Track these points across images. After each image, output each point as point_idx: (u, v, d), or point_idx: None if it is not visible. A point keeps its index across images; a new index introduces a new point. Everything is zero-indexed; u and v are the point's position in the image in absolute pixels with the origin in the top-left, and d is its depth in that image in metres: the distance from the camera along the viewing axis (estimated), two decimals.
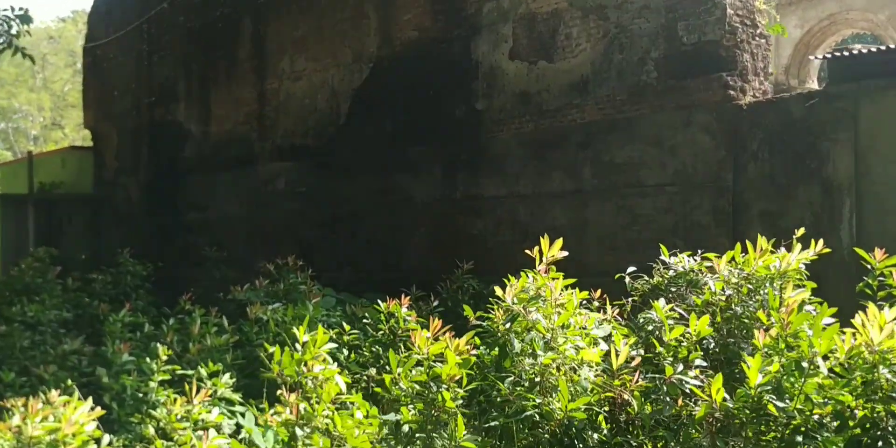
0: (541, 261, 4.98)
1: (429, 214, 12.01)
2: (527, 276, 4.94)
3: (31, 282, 9.81)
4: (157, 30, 17.62)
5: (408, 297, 6.58)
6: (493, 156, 11.16)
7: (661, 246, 5.62)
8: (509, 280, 5.12)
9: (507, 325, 4.62)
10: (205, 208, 16.25)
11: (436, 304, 7.96)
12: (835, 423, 3.73)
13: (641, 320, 4.60)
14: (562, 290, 4.78)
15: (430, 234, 12.01)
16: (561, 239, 5.14)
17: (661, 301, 4.60)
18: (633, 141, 9.65)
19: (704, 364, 4.34)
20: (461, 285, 9.21)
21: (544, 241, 4.99)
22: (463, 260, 11.41)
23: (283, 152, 14.49)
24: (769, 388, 3.74)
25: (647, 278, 5.43)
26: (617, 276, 5.69)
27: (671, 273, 5.17)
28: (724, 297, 4.57)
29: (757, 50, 9.08)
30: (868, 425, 3.58)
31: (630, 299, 5.38)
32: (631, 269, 5.62)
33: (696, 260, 5.19)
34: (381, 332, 6.51)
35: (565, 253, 4.99)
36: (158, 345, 6.39)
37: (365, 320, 6.78)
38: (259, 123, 14.99)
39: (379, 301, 8.75)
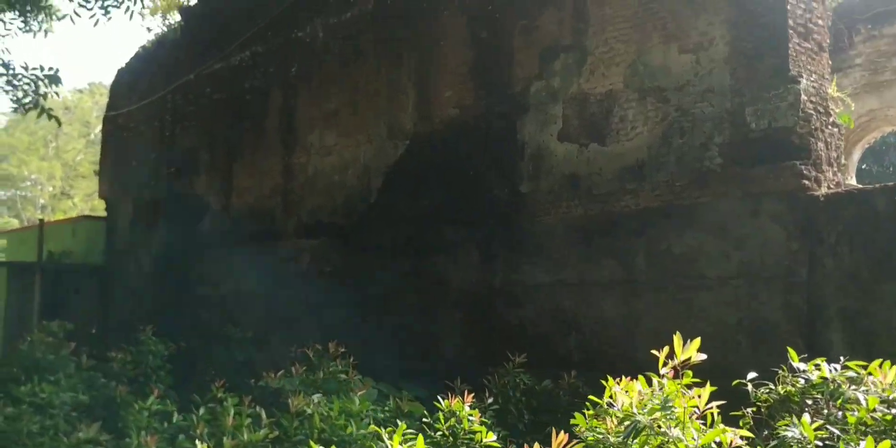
0: (666, 362, 4.28)
1: (465, 300, 11.37)
2: (646, 379, 4.25)
3: (43, 358, 9.09)
4: (182, 100, 17.31)
5: (470, 395, 5.90)
6: (537, 241, 10.60)
7: (790, 349, 4.93)
8: (608, 381, 4.45)
9: (629, 440, 3.93)
10: (219, 284, 15.61)
11: (490, 401, 7.26)
12: None
13: (787, 438, 3.88)
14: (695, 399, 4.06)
15: (466, 321, 11.35)
16: (678, 335, 4.45)
17: (806, 416, 3.91)
18: (692, 229, 9.09)
19: None
20: (511, 380, 8.47)
21: (677, 339, 4.32)
22: (501, 350, 10.75)
23: (308, 229, 13.95)
24: None
25: (772, 386, 4.74)
26: (736, 382, 4.99)
27: (801, 382, 4.50)
28: (889, 417, 3.89)
29: (830, 139, 8.61)
30: None
31: (750, 410, 4.68)
32: (752, 374, 4.94)
33: (835, 368, 4.52)
34: (440, 432, 5.82)
35: (704, 356, 4.32)
36: (188, 438, 5.70)
37: (422, 418, 6.08)
38: (284, 198, 14.50)
39: (419, 394, 8.11)
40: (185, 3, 18.38)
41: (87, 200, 38.52)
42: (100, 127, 43.64)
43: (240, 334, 12.28)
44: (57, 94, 10.46)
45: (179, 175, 17.10)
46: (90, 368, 9.11)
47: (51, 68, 10.03)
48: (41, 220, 18.19)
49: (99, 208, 36.92)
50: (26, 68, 9.96)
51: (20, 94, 9.97)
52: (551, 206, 10.51)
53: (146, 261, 17.71)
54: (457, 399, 5.78)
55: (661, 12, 9.59)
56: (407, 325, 12.08)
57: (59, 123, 10.21)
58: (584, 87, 10.31)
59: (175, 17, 18.05)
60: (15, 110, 10.25)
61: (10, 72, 9.94)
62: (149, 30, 31.07)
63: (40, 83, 10.05)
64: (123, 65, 19.44)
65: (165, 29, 18.31)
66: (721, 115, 8.96)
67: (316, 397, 6.59)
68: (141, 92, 18.69)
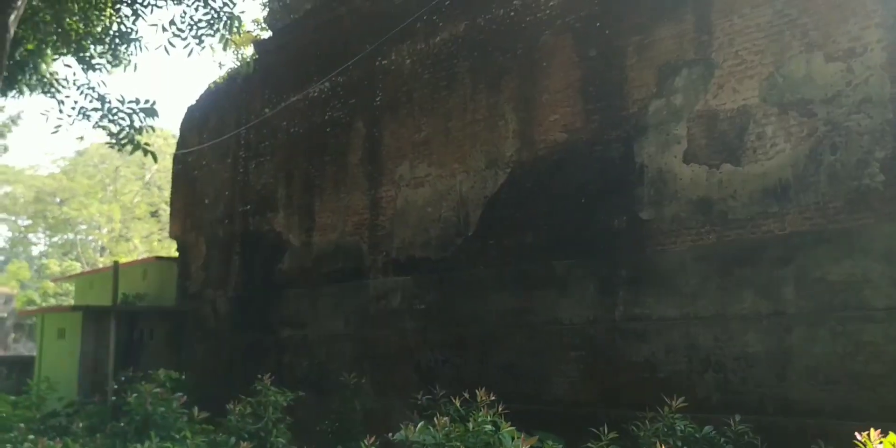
0: None
1: (579, 338, 10.52)
2: None
3: (154, 411, 8.39)
4: (256, 136, 16.80)
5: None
6: (663, 271, 9.74)
7: None
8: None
9: None
10: (303, 325, 14.90)
11: None
12: None
13: None
14: None
15: (580, 360, 10.48)
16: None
17: None
18: (852, 255, 8.19)
19: None
20: (664, 426, 7.55)
21: None
22: (623, 391, 9.88)
23: (398, 265, 13.21)
24: None
25: None
26: None
27: None
28: None
29: None
30: None
31: None
32: None
33: None
34: None
35: None
36: None
37: None
38: (371, 233, 13.81)
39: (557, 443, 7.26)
40: (259, 36, 17.94)
41: (145, 242, 38.39)
42: (155, 167, 43.81)
43: (356, 381, 11.30)
44: (152, 128, 9.88)
45: (255, 213, 16.53)
46: (203, 422, 8.39)
47: (147, 101, 9.50)
48: (115, 263, 17.72)
49: (159, 250, 36.69)
50: (123, 102, 9.45)
51: (115, 129, 9.44)
52: (678, 233, 9.68)
53: (222, 302, 17.09)
54: None
55: (801, 19, 8.80)
56: (511, 365, 11.25)
57: (156, 159, 9.64)
58: (711, 104, 9.51)
59: (248, 51, 17.60)
60: (112, 146, 9.71)
61: (108, 106, 9.39)
62: (220, 65, 30.69)
63: (135, 117, 9.50)
64: (194, 102, 19.06)
65: (238, 64, 17.87)
66: (881, 127, 8.10)
67: None
68: (212, 129, 18.26)
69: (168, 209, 43.09)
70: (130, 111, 9.44)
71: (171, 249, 34.20)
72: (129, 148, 9.64)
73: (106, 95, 9.42)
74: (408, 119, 13.42)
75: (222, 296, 17.13)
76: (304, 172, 15.44)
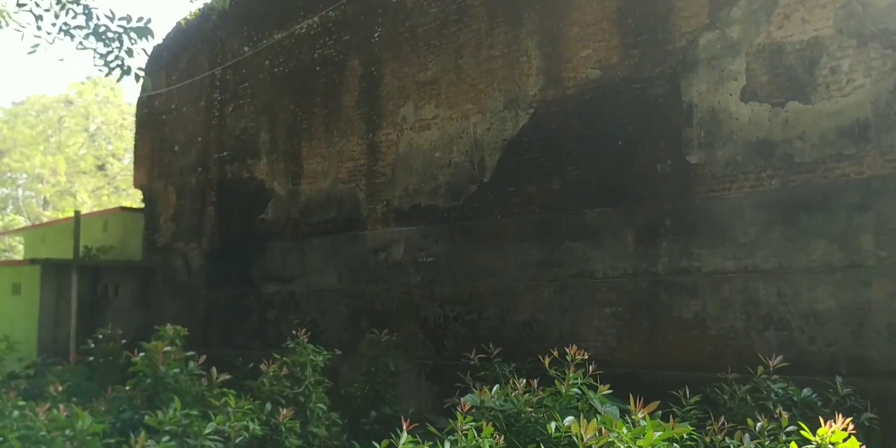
0: None
1: (615, 292, 9.68)
2: None
3: (167, 374, 7.27)
4: (234, 77, 15.52)
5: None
6: (716, 220, 8.92)
7: None
8: None
9: None
10: (290, 280, 13.84)
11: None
12: None
13: None
14: None
15: (616, 316, 9.66)
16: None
17: None
18: None
19: None
20: (759, 389, 6.73)
21: None
22: (670, 350, 9.10)
23: (401, 215, 12.21)
24: None
25: None
26: None
27: None
28: None
29: None
30: None
31: None
32: None
33: None
34: None
35: None
36: None
37: None
38: (368, 181, 12.75)
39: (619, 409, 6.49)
40: None
41: (93, 197, 36.59)
42: (100, 119, 41.76)
43: (384, 338, 10.06)
44: (145, 51, 8.64)
45: (233, 159, 15.32)
46: (224, 385, 7.31)
47: (140, 19, 8.21)
48: (77, 212, 16.35)
49: (108, 205, 34.98)
50: (112, 18, 8.16)
51: (103, 50, 8.18)
52: (733, 178, 8.84)
53: (195, 256, 15.91)
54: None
55: None
56: (535, 321, 10.40)
57: (148, 87, 8.45)
58: (775, 36, 8.62)
59: None
60: (100, 69, 8.48)
61: (94, 23, 8.10)
62: (191, 0, 28.55)
63: (125, 37, 8.23)
64: (160, 41, 17.60)
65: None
66: None
67: (568, 420, 4.89)
68: (181, 70, 16.89)
69: (115, 162, 41.31)
70: (121, 30, 8.18)
71: (120, 204, 32.58)
72: (117, 73, 8.40)
73: (93, 10, 8.13)
74: (411, 56, 12.31)
75: (196, 249, 15.95)
76: (290, 115, 14.26)
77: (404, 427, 4.73)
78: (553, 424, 4.75)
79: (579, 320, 9.99)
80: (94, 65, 8.69)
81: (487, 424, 4.81)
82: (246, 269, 14.70)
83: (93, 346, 11.68)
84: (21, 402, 6.90)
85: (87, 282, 16.33)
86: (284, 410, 6.55)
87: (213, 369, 7.49)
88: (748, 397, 6.63)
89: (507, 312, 10.72)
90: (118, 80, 8.61)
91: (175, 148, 16.86)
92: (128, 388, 7.59)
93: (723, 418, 5.64)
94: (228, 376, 7.51)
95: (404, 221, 12.17)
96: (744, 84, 8.81)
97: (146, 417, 6.07)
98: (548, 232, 10.39)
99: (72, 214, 17.01)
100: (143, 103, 17.97)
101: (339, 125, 13.31)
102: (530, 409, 5.56)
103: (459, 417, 4.84)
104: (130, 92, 56.98)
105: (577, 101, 10.27)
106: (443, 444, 4.55)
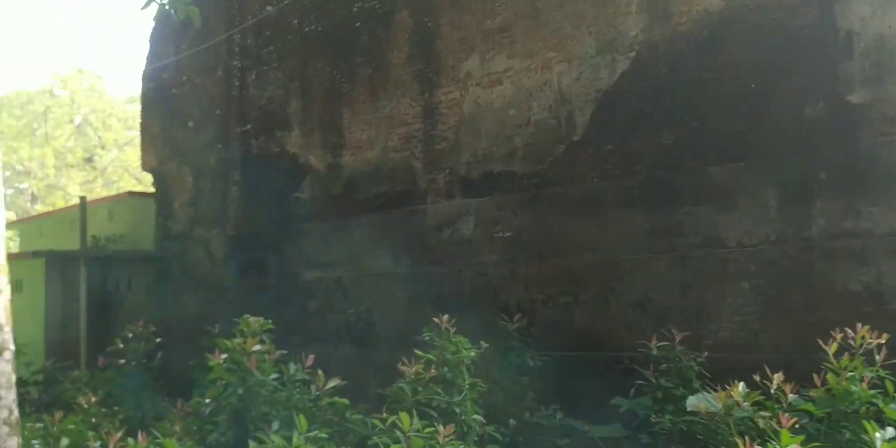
0: None
1: (755, 263, 8.10)
2: None
3: (263, 382, 5.54)
4: (256, 40, 13.82)
5: None
6: (888, 171, 7.35)
7: None
8: None
9: None
10: (334, 265, 12.20)
11: None
12: None
13: None
14: None
15: (757, 291, 8.07)
16: None
17: None
18: None
19: None
20: None
21: None
22: (831, 329, 7.48)
23: (469, 185, 10.59)
24: None
25: None
26: None
27: None
28: None
29: None
30: None
31: None
32: None
33: None
34: None
35: None
36: None
37: None
38: (426, 148, 11.11)
39: None
40: None
41: (84, 190, 34.71)
42: (87, 108, 39.84)
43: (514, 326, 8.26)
44: None
45: (259, 133, 13.63)
46: (332, 393, 5.65)
47: None
48: (83, 199, 14.67)
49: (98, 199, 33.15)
50: None
51: None
52: None
53: (218, 243, 14.22)
54: None
55: None
56: (649, 300, 8.82)
57: (199, 20, 6.83)
58: None
59: None
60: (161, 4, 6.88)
61: None
62: None
63: None
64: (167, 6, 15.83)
65: None
66: None
67: None
68: (192, 37, 15.14)
69: (104, 154, 39.43)
70: None
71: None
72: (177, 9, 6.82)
73: None
74: (474, 2, 10.67)
75: (219, 235, 14.26)
76: (327, 80, 12.58)
77: None
78: None
79: (706, 298, 8.41)
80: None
81: None
82: (280, 256, 13.05)
83: (121, 346, 10.00)
84: (70, 426, 5.27)
85: (97, 275, 14.65)
86: (442, 428, 4.88)
87: (321, 373, 5.85)
88: None
89: (612, 292, 9.13)
90: (181, 17, 7.03)
91: (189, 124, 15.15)
92: (207, 400, 5.90)
93: None
94: (341, 381, 5.86)
95: (473, 192, 10.55)
96: None
97: (253, 444, 4.44)
98: (660, 195, 8.80)
99: (68, 204, 15.31)
100: (148, 76, 16.22)
101: (387, 87, 11.65)
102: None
103: None
104: (117, 77, 55.11)
105: (692, 39, 8.66)
106: None
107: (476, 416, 5.90)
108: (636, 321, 8.83)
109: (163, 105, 15.79)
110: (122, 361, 9.81)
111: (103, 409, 7.70)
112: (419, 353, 6.50)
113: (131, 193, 18.35)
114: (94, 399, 7.52)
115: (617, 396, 7.51)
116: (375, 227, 11.65)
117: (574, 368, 8.92)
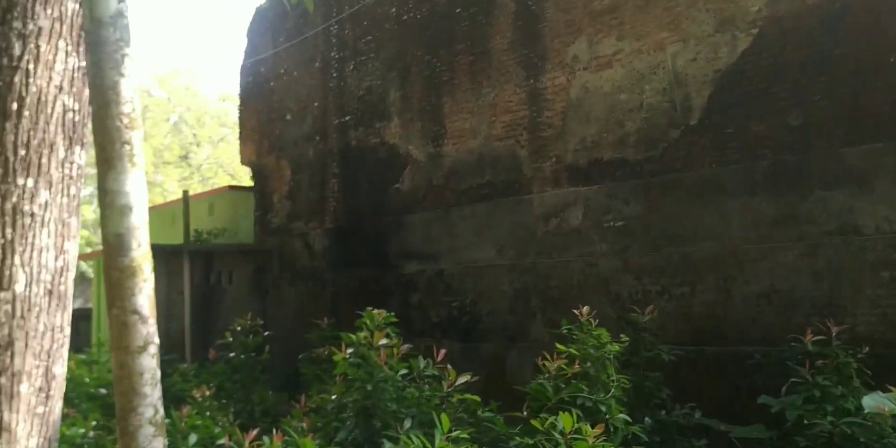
0: None
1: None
2: None
3: (392, 378, 5.15)
4: (354, 30, 13.66)
5: None
6: None
7: None
8: None
9: None
10: (435, 257, 11.95)
11: None
12: None
13: None
14: None
15: None
16: None
17: None
18: None
19: None
20: None
21: None
22: None
23: (577, 173, 10.20)
24: None
25: None
26: None
27: None
28: None
29: None
30: None
31: None
32: None
33: None
34: None
35: None
36: None
37: None
38: (531, 135, 10.76)
39: None
40: None
41: (183, 185, 35.34)
42: (182, 107, 40.55)
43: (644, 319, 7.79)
44: None
45: (358, 124, 13.47)
46: (462, 389, 5.28)
47: None
48: (185, 192, 14.78)
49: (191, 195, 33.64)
50: None
51: None
52: None
53: (318, 236, 14.13)
54: None
55: None
56: (776, 292, 8.30)
57: (311, 7, 6.60)
58: None
59: None
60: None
61: None
62: None
63: None
64: (263, 1, 15.88)
65: None
66: None
67: None
68: (289, 30, 15.12)
69: (198, 151, 40.10)
70: None
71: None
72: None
73: None
74: None
75: (317, 228, 14.17)
76: (426, 68, 12.33)
77: None
78: None
79: (841, 288, 7.86)
80: None
81: None
82: (379, 248, 12.86)
83: (230, 339, 9.92)
84: (197, 421, 5.09)
85: (199, 269, 14.73)
86: (593, 428, 4.52)
87: (450, 368, 5.55)
88: None
89: (733, 282, 8.64)
90: (293, 1, 6.87)
91: (287, 117, 15.11)
92: (333, 396, 5.64)
93: None
94: (472, 377, 5.54)
95: (582, 180, 10.16)
96: None
97: (388, 445, 4.17)
98: (787, 180, 8.27)
99: (167, 201, 15.43)
100: (246, 71, 16.26)
101: (490, 73, 11.34)
102: None
103: None
104: (208, 76, 56.14)
105: (821, 13, 8.11)
106: None
107: (621, 415, 5.51)
108: (761, 313, 8.34)
109: (261, 99, 15.79)
110: (232, 355, 9.71)
111: (215, 403, 7.56)
112: (561, 347, 6.11)
113: (231, 187, 18.46)
114: (208, 392, 7.39)
115: (762, 395, 6.99)
116: (479, 217, 11.36)
117: (695, 363, 8.48)
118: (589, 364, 5.86)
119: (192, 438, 4.81)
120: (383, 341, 5.56)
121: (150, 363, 2.77)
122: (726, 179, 8.74)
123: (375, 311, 6.17)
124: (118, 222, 2.83)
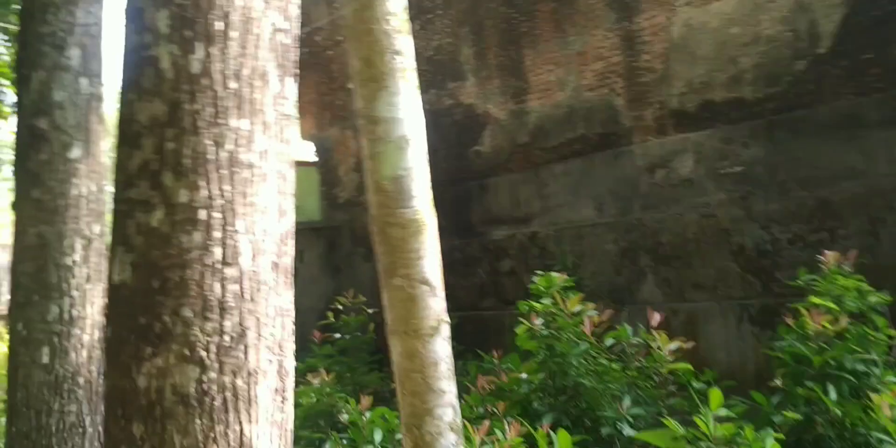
0: None
1: None
2: None
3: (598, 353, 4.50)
4: None
5: None
6: None
7: None
8: None
9: None
10: (526, 220, 11.19)
11: None
12: None
13: None
14: None
15: None
16: None
17: None
18: None
19: None
20: None
21: None
22: None
23: (684, 118, 9.38)
24: None
25: None
26: None
27: None
28: None
29: None
30: None
31: None
32: None
33: None
34: None
35: None
36: None
37: None
38: (629, 82, 9.94)
39: None
40: None
41: None
42: None
43: None
44: None
45: (429, 86, 12.71)
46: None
47: None
48: None
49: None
50: None
51: None
52: None
53: None
54: None
55: None
56: None
57: None
58: None
59: None
60: None
61: None
62: None
63: None
64: None
65: None
66: None
67: None
68: None
69: None
70: None
71: None
72: None
73: None
74: None
75: None
76: (502, 20, 11.54)
77: None
78: None
79: None
80: None
81: None
82: (462, 215, 12.12)
83: (333, 320, 9.25)
84: (381, 414, 4.37)
85: None
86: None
87: (662, 333, 4.77)
88: None
89: (882, 225, 7.80)
90: None
91: (349, 86, 14.36)
92: (524, 375, 4.89)
93: None
94: (686, 343, 4.76)
95: (690, 125, 9.34)
96: None
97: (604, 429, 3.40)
98: None
99: None
100: (302, 42, 15.51)
101: (575, 19, 10.53)
102: None
103: None
104: None
105: None
106: None
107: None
108: None
109: (319, 69, 15.09)
110: (338, 336, 9.03)
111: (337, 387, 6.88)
112: (816, 299, 5.19)
113: (295, 163, 17.78)
114: (327, 377, 6.69)
115: None
116: (573, 174, 10.58)
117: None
118: (849, 320, 4.95)
119: (378, 435, 4.09)
120: (577, 307, 4.80)
121: (444, 349, 2.03)
122: (867, 111, 7.89)
123: (555, 274, 5.39)
124: (395, 161, 2.11)
